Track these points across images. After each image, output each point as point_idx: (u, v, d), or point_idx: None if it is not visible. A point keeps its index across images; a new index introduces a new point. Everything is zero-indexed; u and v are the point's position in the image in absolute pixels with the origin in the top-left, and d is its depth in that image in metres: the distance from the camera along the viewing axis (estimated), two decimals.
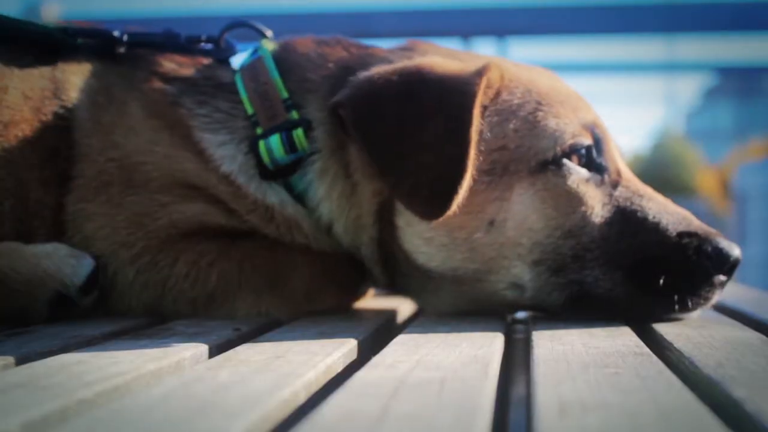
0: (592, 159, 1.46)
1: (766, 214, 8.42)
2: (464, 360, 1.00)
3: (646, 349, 1.08)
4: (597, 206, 1.43)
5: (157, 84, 1.57)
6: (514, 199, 1.41)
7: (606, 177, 1.46)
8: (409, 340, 1.16)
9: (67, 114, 1.54)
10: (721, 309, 1.56)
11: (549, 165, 1.42)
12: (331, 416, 0.71)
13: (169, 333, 1.24)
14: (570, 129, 1.44)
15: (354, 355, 1.13)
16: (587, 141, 1.45)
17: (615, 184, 1.46)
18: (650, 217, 1.43)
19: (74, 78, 1.58)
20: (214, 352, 1.11)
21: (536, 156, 1.42)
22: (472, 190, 1.38)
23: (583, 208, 1.42)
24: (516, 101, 1.45)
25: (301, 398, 0.86)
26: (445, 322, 1.35)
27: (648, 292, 1.38)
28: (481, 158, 1.40)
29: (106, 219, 1.47)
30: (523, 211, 1.41)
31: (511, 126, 1.43)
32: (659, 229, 1.41)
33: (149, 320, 1.41)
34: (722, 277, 1.39)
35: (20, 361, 1.01)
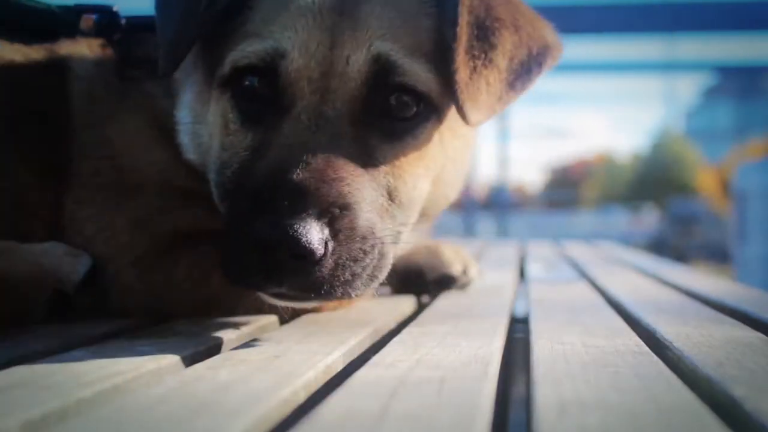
0: (259, 93, 1.31)
1: (765, 213, 8.43)
2: (464, 359, 1.00)
3: (646, 349, 1.08)
4: (239, 146, 1.31)
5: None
6: (211, 109, 1.37)
7: (263, 117, 1.30)
8: (409, 339, 1.16)
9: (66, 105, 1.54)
10: (721, 308, 1.56)
11: (223, 85, 1.34)
12: (331, 415, 0.71)
13: (169, 333, 1.24)
14: (244, 54, 1.31)
15: (353, 355, 1.13)
16: (258, 67, 1.30)
17: (273, 127, 1.28)
18: (256, 170, 1.24)
19: (74, 65, 1.58)
20: (213, 352, 1.11)
21: (220, 69, 1.34)
22: (201, 82, 1.40)
23: (233, 142, 1.32)
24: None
25: (301, 397, 0.86)
26: (445, 321, 1.35)
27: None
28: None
29: (107, 220, 1.47)
30: (210, 126, 1.37)
31: (239, 32, 1.35)
32: (253, 182, 1.21)
33: (149, 320, 1.41)
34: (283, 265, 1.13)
35: (20, 360, 1.01)
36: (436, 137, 1.37)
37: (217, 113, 1.35)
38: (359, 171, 1.23)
